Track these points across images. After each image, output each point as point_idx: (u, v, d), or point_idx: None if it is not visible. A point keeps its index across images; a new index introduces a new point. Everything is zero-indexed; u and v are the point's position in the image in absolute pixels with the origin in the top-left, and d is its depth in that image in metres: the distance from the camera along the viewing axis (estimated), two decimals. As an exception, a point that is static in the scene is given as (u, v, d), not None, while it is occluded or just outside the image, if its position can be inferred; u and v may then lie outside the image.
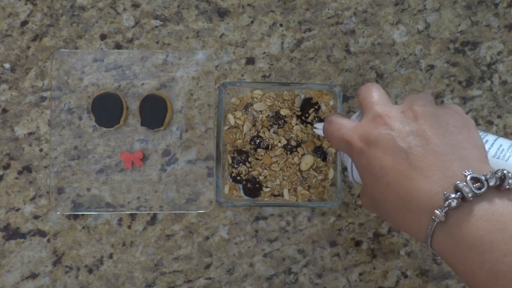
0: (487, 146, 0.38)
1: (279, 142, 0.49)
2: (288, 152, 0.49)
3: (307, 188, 0.49)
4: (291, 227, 0.52)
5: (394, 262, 0.52)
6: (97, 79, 0.52)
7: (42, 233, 0.52)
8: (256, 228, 0.52)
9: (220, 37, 0.53)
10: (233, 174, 0.49)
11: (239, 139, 0.49)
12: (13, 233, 0.52)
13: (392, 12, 0.53)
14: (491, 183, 0.30)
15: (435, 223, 0.31)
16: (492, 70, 0.53)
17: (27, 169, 0.52)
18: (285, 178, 0.49)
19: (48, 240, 0.52)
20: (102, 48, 0.53)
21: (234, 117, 0.49)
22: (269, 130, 0.49)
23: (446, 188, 0.31)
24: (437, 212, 0.31)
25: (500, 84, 0.53)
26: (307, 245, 0.52)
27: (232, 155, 0.49)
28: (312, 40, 0.53)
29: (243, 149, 0.49)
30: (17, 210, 0.52)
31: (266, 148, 0.49)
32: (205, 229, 0.52)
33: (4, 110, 0.52)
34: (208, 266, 0.52)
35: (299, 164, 0.49)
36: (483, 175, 0.31)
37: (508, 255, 0.29)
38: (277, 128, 0.49)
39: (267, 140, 0.49)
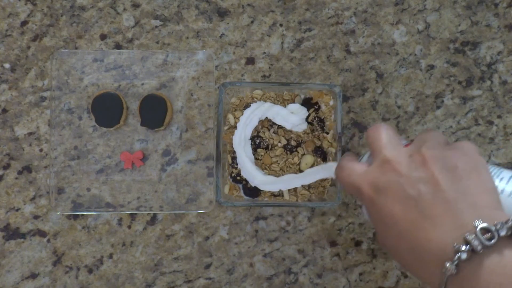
0: (502, 184, 0.37)
1: (279, 142, 0.49)
2: (288, 152, 0.49)
3: (307, 188, 0.49)
4: (291, 227, 0.52)
5: (394, 262, 0.52)
6: (97, 79, 0.52)
7: (42, 233, 0.52)
8: (256, 228, 0.52)
9: (220, 37, 0.53)
10: (233, 174, 0.49)
11: (239, 139, 0.49)
12: (13, 233, 0.52)
13: (392, 12, 0.53)
14: (502, 234, 0.30)
15: (446, 276, 0.30)
16: (492, 70, 0.53)
17: (27, 169, 0.52)
18: (285, 178, 0.49)
19: (48, 240, 0.52)
20: (102, 48, 0.53)
21: (234, 117, 0.49)
22: (269, 130, 0.49)
23: (456, 239, 0.31)
24: (448, 265, 0.30)
25: (500, 84, 0.53)
26: (307, 245, 0.52)
27: (232, 155, 0.49)
28: (312, 40, 0.53)
29: (243, 149, 0.49)
30: (17, 210, 0.52)
31: (266, 148, 0.49)
32: (205, 229, 0.52)
33: (4, 110, 0.52)
34: (208, 266, 0.52)
35: (299, 164, 0.49)
36: (493, 225, 0.30)
37: None
38: (277, 128, 0.49)
39: (267, 140, 0.49)
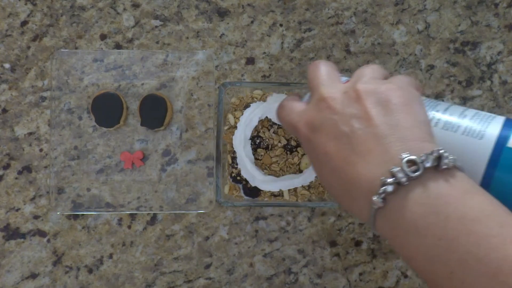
0: (437, 116, 0.37)
1: (279, 142, 0.49)
2: (288, 152, 0.49)
3: (307, 188, 0.49)
4: (291, 227, 0.52)
5: (394, 262, 0.52)
6: (97, 79, 0.52)
7: (42, 233, 0.52)
8: (256, 228, 0.52)
9: (220, 37, 0.53)
10: (233, 174, 0.49)
11: (239, 139, 0.49)
12: (13, 233, 0.52)
13: (392, 12, 0.53)
14: (427, 165, 0.30)
15: (374, 209, 0.31)
16: (492, 70, 0.53)
17: (27, 169, 0.52)
18: (285, 178, 0.49)
19: (48, 240, 0.52)
20: (102, 48, 0.53)
21: (234, 117, 0.49)
22: (269, 130, 0.49)
23: (383, 173, 0.31)
24: (375, 198, 0.31)
25: (500, 84, 0.53)
26: (307, 245, 0.52)
27: (232, 155, 0.49)
28: (312, 40, 0.53)
29: (243, 149, 0.49)
30: (17, 210, 0.52)
31: (266, 148, 0.49)
32: (205, 229, 0.52)
33: (4, 110, 0.52)
34: (208, 266, 0.52)
35: (299, 164, 0.49)
36: (419, 156, 0.30)
37: (442, 238, 0.29)
38: (277, 128, 0.49)
39: (267, 140, 0.49)
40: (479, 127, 0.36)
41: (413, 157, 0.30)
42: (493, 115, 0.37)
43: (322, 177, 0.35)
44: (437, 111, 0.38)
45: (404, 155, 0.31)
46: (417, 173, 0.30)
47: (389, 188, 0.30)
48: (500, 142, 0.35)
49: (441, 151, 0.30)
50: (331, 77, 0.37)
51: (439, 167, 0.30)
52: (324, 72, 0.38)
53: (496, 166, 0.35)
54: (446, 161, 0.30)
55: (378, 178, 0.31)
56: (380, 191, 0.30)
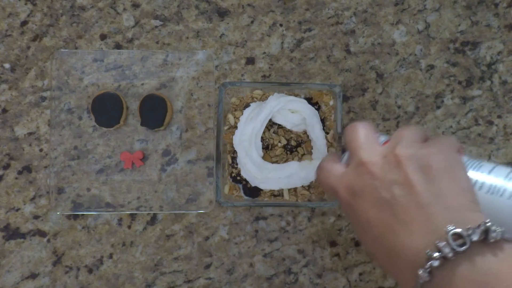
0: (481, 179, 0.36)
1: (279, 142, 0.49)
2: (288, 152, 0.49)
3: (307, 188, 0.49)
4: (291, 227, 0.52)
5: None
6: (97, 79, 0.52)
7: (42, 233, 0.52)
8: (256, 228, 0.52)
9: (220, 37, 0.53)
10: (233, 174, 0.49)
11: (239, 139, 0.49)
12: (13, 233, 0.52)
13: (392, 12, 0.53)
14: (474, 239, 0.29)
15: (420, 283, 0.30)
16: (492, 70, 0.53)
17: (27, 169, 0.52)
18: (285, 178, 0.49)
19: (48, 240, 0.52)
20: (102, 48, 0.53)
21: (234, 117, 0.49)
22: (269, 130, 0.49)
23: (428, 245, 0.30)
24: (421, 272, 0.30)
25: (500, 84, 0.53)
26: (307, 245, 0.52)
27: (232, 155, 0.49)
28: (312, 40, 0.53)
29: (243, 149, 0.49)
30: (17, 210, 0.52)
31: (266, 148, 0.49)
32: (205, 229, 0.52)
33: (4, 110, 0.52)
34: (208, 266, 0.52)
35: (299, 164, 0.49)
36: (466, 229, 0.30)
37: None
38: (277, 128, 0.49)
39: (267, 140, 0.49)
40: None
41: (459, 231, 0.29)
42: None
43: (365, 244, 0.35)
44: (481, 173, 0.36)
45: (449, 228, 0.30)
46: (463, 248, 0.29)
47: (435, 263, 0.29)
48: None
49: (488, 224, 0.29)
50: (370, 140, 0.37)
51: (486, 240, 0.29)
52: (362, 135, 0.37)
53: None
54: (494, 234, 0.29)
55: (423, 251, 0.30)
56: (426, 266, 0.30)
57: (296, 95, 0.50)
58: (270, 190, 0.49)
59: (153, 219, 0.52)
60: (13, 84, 0.52)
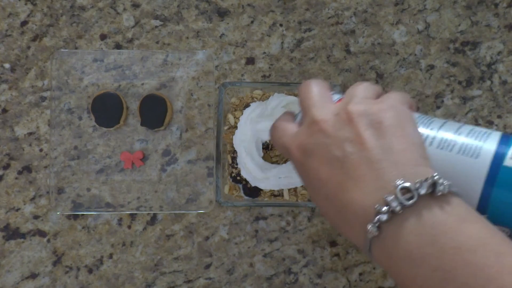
0: (432, 134, 0.35)
1: (279, 142, 0.49)
2: (288, 152, 0.49)
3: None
4: (291, 227, 0.52)
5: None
6: (97, 79, 0.52)
7: (42, 233, 0.52)
8: (256, 228, 0.52)
9: (220, 37, 0.53)
10: (233, 174, 0.49)
11: (239, 139, 0.49)
12: (13, 233, 0.52)
13: (392, 12, 0.53)
14: (422, 192, 0.29)
15: (369, 238, 0.30)
16: (492, 70, 0.53)
17: (27, 169, 0.52)
18: (285, 178, 0.49)
19: (48, 240, 0.52)
20: (102, 48, 0.53)
21: (234, 117, 0.49)
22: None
23: (377, 200, 0.30)
24: (369, 227, 0.30)
25: (500, 84, 0.53)
26: (307, 245, 0.52)
27: (232, 155, 0.49)
28: (312, 40, 0.53)
29: (243, 149, 0.49)
30: (17, 210, 0.52)
31: (266, 148, 0.49)
32: (205, 229, 0.52)
33: (4, 110, 0.52)
34: (208, 266, 0.52)
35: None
36: (414, 183, 0.29)
37: (438, 269, 0.28)
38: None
39: (267, 140, 0.49)
40: (474, 145, 0.34)
41: (407, 184, 0.30)
42: (489, 130, 0.36)
43: (317, 203, 0.35)
44: (432, 128, 0.36)
45: (398, 182, 0.30)
46: (411, 201, 0.29)
47: (383, 217, 0.29)
48: (496, 161, 0.33)
49: (435, 177, 0.30)
50: (323, 98, 0.36)
51: (434, 193, 0.29)
52: (315, 93, 0.37)
53: (493, 186, 0.33)
54: (441, 187, 0.29)
55: (372, 206, 0.30)
56: (375, 220, 0.30)
57: (296, 95, 0.50)
58: (270, 190, 0.49)
59: (153, 219, 0.52)
60: (13, 84, 0.52)
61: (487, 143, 0.34)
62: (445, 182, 0.30)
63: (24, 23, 0.53)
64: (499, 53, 0.53)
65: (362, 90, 0.36)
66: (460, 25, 0.53)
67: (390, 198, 0.29)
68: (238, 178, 0.49)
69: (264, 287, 0.52)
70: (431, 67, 0.53)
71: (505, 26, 0.53)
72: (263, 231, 0.52)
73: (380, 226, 0.30)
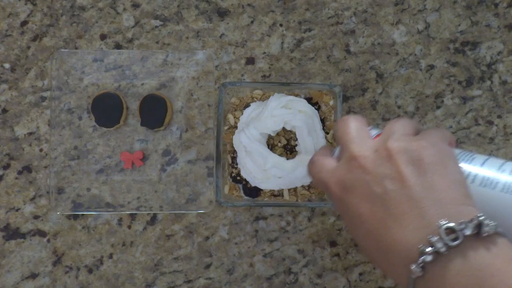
0: (474, 171, 0.35)
1: (279, 142, 0.49)
2: (288, 152, 0.49)
3: (307, 188, 0.49)
4: (291, 227, 0.52)
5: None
6: (97, 79, 0.52)
7: (42, 233, 0.52)
8: (256, 228, 0.52)
9: (220, 37, 0.53)
10: (233, 174, 0.49)
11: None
12: (13, 233, 0.52)
13: (392, 12, 0.53)
14: (467, 233, 0.29)
15: (413, 278, 0.30)
16: (492, 70, 0.53)
17: (27, 169, 0.52)
18: (285, 178, 0.49)
19: (48, 240, 0.52)
20: (102, 48, 0.53)
21: (234, 117, 0.49)
22: (269, 130, 0.49)
23: (421, 240, 0.30)
24: (413, 267, 0.29)
25: (500, 84, 0.53)
26: (307, 245, 0.52)
27: (232, 155, 0.49)
28: (312, 40, 0.53)
29: (243, 149, 0.49)
30: (17, 210, 0.52)
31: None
32: (205, 229, 0.52)
33: (4, 110, 0.52)
34: (208, 266, 0.52)
35: (299, 164, 0.49)
36: (458, 223, 0.29)
37: None
38: (277, 128, 0.49)
39: (267, 140, 0.49)
40: None
41: (451, 225, 0.29)
42: None
43: (357, 239, 0.34)
44: (474, 166, 0.35)
45: (442, 222, 0.29)
46: (456, 242, 0.29)
47: (428, 258, 0.29)
48: None
49: (481, 218, 0.29)
50: (361, 134, 0.36)
51: (479, 234, 0.29)
52: (353, 128, 0.36)
53: None
54: (486, 228, 0.29)
55: (416, 246, 0.30)
56: (419, 261, 0.29)
57: (296, 95, 0.50)
58: (270, 190, 0.49)
59: (153, 219, 0.52)
60: (13, 84, 0.52)
61: None
62: (491, 223, 0.29)
63: (24, 23, 0.53)
64: (499, 53, 0.53)
65: (401, 126, 0.36)
66: (460, 25, 0.53)
67: (435, 239, 0.29)
68: (238, 178, 0.49)
69: (264, 287, 0.52)
70: (431, 67, 0.53)
71: (505, 26, 0.53)
72: (263, 231, 0.52)
73: (424, 266, 0.29)
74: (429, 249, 0.29)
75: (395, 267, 0.31)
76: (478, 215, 0.29)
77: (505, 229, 0.31)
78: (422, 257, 0.29)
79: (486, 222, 0.29)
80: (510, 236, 0.31)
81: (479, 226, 0.29)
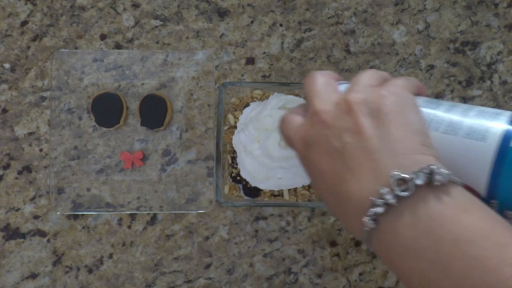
0: (439, 116, 0.33)
1: (279, 142, 0.49)
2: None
3: (307, 188, 0.49)
4: (291, 227, 0.52)
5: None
6: (97, 79, 0.52)
7: (42, 233, 0.52)
8: (256, 228, 0.52)
9: (220, 37, 0.53)
10: (233, 174, 0.49)
11: (239, 139, 0.49)
12: (13, 233, 0.52)
13: (392, 12, 0.53)
14: (418, 182, 0.28)
15: (367, 230, 0.29)
16: (492, 70, 0.53)
17: (27, 169, 0.52)
18: (285, 178, 0.49)
19: (48, 240, 0.52)
20: (102, 48, 0.53)
21: (234, 117, 0.49)
22: (269, 130, 0.49)
23: (373, 192, 0.29)
24: (365, 219, 0.29)
25: (500, 84, 0.53)
26: (307, 245, 0.52)
27: (232, 155, 0.49)
28: (312, 40, 0.53)
29: (243, 149, 0.49)
30: (17, 210, 0.52)
31: (266, 148, 0.49)
32: (205, 229, 0.52)
33: (4, 110, 0.52)
34: (208, 266, 0.52)
35: (299, 164, 0.49)
36: (410, 173, 0.28)
37: (435, 262, 0.27)
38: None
39: (267, 140, 0.49)
40: (481, 127, 0.31)
41: (403, 175, 0.28)
42: (499, 111, 0.32)
43: (320, 194, 0.34)
44: (438, 112, 0.33)
45: (393, 173, 0.28)
46: (406, 193, 0.28)
47: (379, 210, 0.28)
48: (505, 142, 0.31)
49: (432, 166, 0.28)
50: (327, 88, 0.35)
51: (431, 183, 0.28)
52: (319, 83, 0.35)
53: (501, 169, 0.30)
54: (438, 177, 0.28)
55: (368, 198, 0.29)
56: (370, 213, 0.29)
57: (296, 95, 0.50)
58: (270, 190, 0.49)
59: (153, 219, 0.52)
60: (13, 84, 0.52)
61: (495, 124, 0.31)
62: (444, 171, 0.28)
63: (24, 23, 0.53)
64: (499, 53, 0.53)
65: (366, 77, 0.34)
66: (460, 25, 0.53)
67: (385, 190, 0.28)
68: (238, 178, 0.49)
69: (264, 287, 0.52)
70: (431, 67, 0.53)
71: (505, 26, 0.53)
72: (263, 231, 0.52)
73: (376, 219, 0.29)
74: (379, 201, 0.28)
75: (352, 220, 0.31)
76: (431, 163, 0.29)
77: (468, 177, 0.30)
78: (374, 209, 0.28)
79: (438, 170, 0.28)
80: (473, 184, 0.30)
81: (431, 175, 0.28)
